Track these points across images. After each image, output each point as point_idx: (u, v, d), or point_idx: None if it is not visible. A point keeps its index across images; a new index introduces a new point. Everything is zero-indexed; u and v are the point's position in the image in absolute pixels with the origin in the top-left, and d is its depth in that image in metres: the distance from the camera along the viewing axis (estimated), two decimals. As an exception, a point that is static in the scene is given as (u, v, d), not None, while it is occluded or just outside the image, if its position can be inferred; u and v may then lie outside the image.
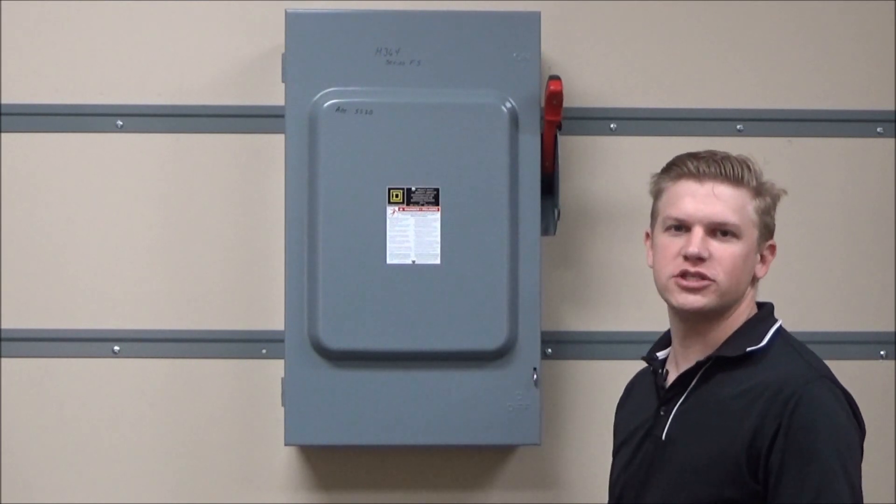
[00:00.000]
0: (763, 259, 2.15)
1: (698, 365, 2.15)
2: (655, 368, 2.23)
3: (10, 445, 2.81)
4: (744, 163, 2.13)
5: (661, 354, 2.25)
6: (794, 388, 2.03)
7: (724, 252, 2.11)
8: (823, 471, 1.99)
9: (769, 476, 2.02)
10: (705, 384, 2.13)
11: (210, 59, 2.82)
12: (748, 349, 2.10)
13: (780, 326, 2.16)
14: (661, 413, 2.16)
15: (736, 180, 2.12)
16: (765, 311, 2.17)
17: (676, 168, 2.17)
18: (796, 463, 2.01)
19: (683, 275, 2.13)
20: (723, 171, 2.12)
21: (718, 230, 2.11)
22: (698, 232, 2.11)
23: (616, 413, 2.34)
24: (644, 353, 2.27)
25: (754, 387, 2.06)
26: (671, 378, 2.18)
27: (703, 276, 2.11)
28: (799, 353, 2.11)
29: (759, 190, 2.13)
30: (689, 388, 2.14)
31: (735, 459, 2.04)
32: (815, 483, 1.99)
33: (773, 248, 2.16)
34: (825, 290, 2.87)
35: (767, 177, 2.15)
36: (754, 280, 2.16)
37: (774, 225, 2.16)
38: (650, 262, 2.21)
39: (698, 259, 2.11)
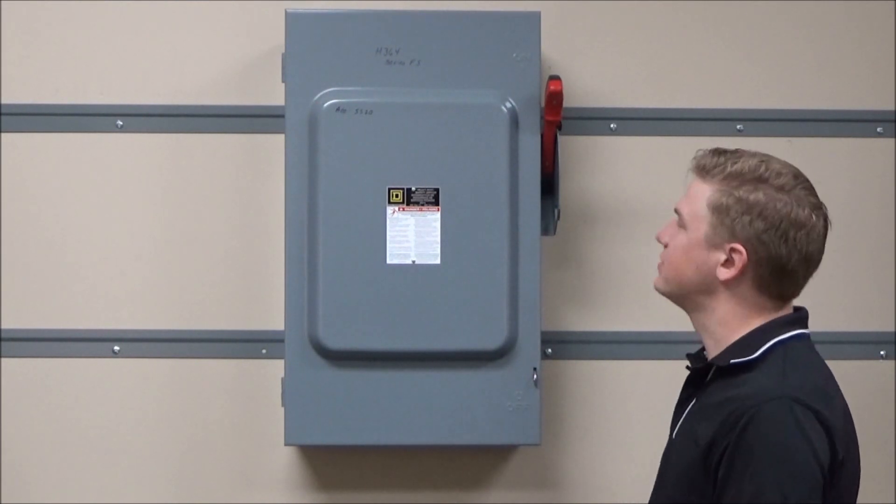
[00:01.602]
0: (728, 262, 2.07)
1: (697, 370, 2.15)
2: (688, 366, 2.22)
3: (10, 445, 2.81)
4: (728, 159, 2.08)
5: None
6: (749, 406, 1.97)
7: (671, 239, 2.12)
8: (756, 494, 1.93)
9: (716, 491, 2.01)
10: (707, 390, 2.12)
11: (210, 59, 2.82)
12: (732, 361, 2.08)
13: (791, 338, 2.08)
14: (677, 413, 2.16)
15: (701, 171, 2.09)
16: (777, 322, 2.09)
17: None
18: (735, 483, 1.96)
19: None
20: (698, 163, 2.12)
21: (677, 218, 2.14)
22: (671, 220, 2.14)
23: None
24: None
25: (728, 398, 2.02)
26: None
27: (661, 259, 2.15)
28: (785, 369, 2.03)
29: (725, 189, 2.07)
30: (697, 392, 2.14)
31: (697, 468, 2.03)
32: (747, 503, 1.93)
33: (739, 254, 2.06)
34: (825, 290, 2.86)
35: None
36: (724, 283, 2.07)
37: (747, 230, 2.05)
38: None
39: (661, 243, 2.15)
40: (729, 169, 2.07)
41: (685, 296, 2.13)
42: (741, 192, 2.06)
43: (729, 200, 2.06)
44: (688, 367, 2.20)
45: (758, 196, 2.06)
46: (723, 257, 2.08)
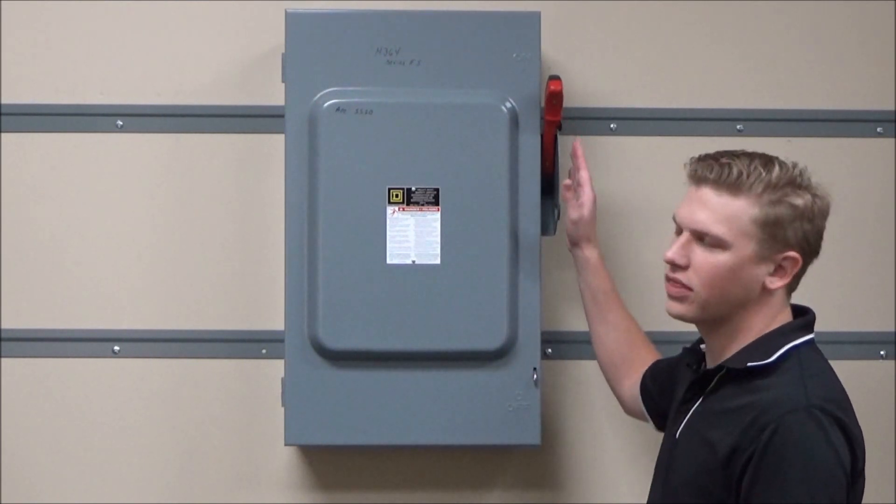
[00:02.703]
0: (780, 270, 2.06)
1: (708, 372, 2.13)
2: (690, 362, 2.21)
3: (10, 445, 2.81)
4: (756, 168, 2.05)
5: (704, 347, 2.23)
6: (774, 416, 1.97)
7: (705, 261, 2.05)
8: None
9: (739, 501, 1.99)
10: (716, 392, 2.10)
11: (210, 59, 2.82)
12: (749, 364, 2.06)
13: (803, 344, 2.08)
14: (681, 411, 2.15)
15: (731, 188, 2.04)
16: (791, 326, 2.10)
17: (688, 167, 2.13)
18: (764, 495, 1.95)
19: (667, 279, 2.12)
20: (721, 177, 2.05)
21: (704, 238, 2.07)
22: (682, 238, 2.08)
23: (675, 364, 2.35)
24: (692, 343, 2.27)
25: (746, 405, 2.01)
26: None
27: (680, 284, 2.09)
28: (803, 375, 2.03)
29: (768, 199, 2.04)
30: (704, 393, 2.13)
31: (715, 475, 2.01)
32: None
33: (794, 261, 2.06)
34: (825, 290, 2.86)
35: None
36: (767, 291, 2.07)
37: (800, 236, 2.06)
38: None
39: (676, 265, 2.08)
40: (766, 179, 2.03)
41: (719, 315, 2.09)
42: (790, 200, 2.04)
43: (779, 211, 2.04)
44: (688, 365, 2.20)
45: (802, 200, 2.05)
46: (772, 268, 2.05)
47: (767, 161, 2.07)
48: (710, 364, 2.14)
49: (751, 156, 2.08)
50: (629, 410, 2.58)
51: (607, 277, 2.59)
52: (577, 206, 2.57)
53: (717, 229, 2.04)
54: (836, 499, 1.96)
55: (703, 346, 2.22)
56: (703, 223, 2.05)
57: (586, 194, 2.56)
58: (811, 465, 1.94)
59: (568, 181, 2.58)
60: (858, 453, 2.01)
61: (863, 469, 2.04)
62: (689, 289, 2.07)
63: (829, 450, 1.96)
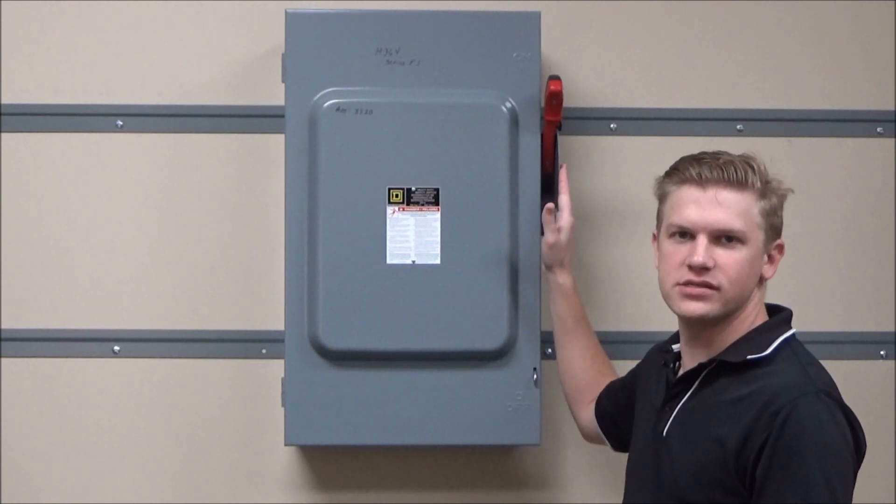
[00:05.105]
0: (771, 259, 2.14)
1: (700, 366, 2.14)
2: (667, 361, 2.23)
3: (10, 445, 2.81)
4: (748, 164, 2.12)
5: (676, 347, 2.25)
6: (786, 401, 2.01)
7: (730, 259, 2.09)
8: (806, 488, 1.97)
9: (754, 487, 2.01)
10: (708, 386, 2.12)
11: (210, 59, 2.82)
12: (748, 357, 2.09)
13: (792, 336, 2.13)
14: (666, 409, 2.16)
15: (740, 184, 2.10)
16: (778, 319, 2.15)
17: (679, 173, 2.15)
18: (780, 478, 1.98)
19: (687, 283, 2.12)
20: (726, 175, 2.10)
21: (723, 237, 2.10)
22: (702, 241, 2.10)
23: (638, 369, 2.39)
24: (661, 342, 2.28)
25: (750, 394, 2.05)
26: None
27: (707, 285, 2.10)
28: (803, 364, 2.08)
29: (765, 191, 2.11)
30: (692, 389, 2.14)
31: (725, 465, 2.04)
32: (797, 501, 1.97)
33: (780, 247, 2.15)
34: (825, 290, 2.87)
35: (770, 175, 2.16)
36: (761, 281, 2.14)
37: (782, 223, 2.15)
38: (657, 265, 2.21)
39: (703, 269, 2.10)
40: (759, 174, 2.12)
41: (734, 309, 2.13)
42: (776, 191, 2.14)
43: (773, 202, 2.13)
44: (664, 364, 2.22)
45: (781, 190, 2.15)
46: (765, 257, 2.14)
47: (744, 157, 2.15)
48: (693, 361, 2.15)
49: (728, 154, 2.15)
50: (587, 435, 2.63)
51: (578, 304, 2.61)
52: (555, 230, 2.56)
53: (739, 225, 2.10)
54: (847, 477, 2.02)
55: (675, 345, 2.24)
56: (724, 221, 2.10)
57: (565, 219, 2.56)
58: (824, 446, 2.00)
59: (551, 204, 2.58)
60: (860, 435, 2.07)
61: (865, 453, 2.09)
62: (717, 289, 2.09)
63: (838, 431, 2.02)
